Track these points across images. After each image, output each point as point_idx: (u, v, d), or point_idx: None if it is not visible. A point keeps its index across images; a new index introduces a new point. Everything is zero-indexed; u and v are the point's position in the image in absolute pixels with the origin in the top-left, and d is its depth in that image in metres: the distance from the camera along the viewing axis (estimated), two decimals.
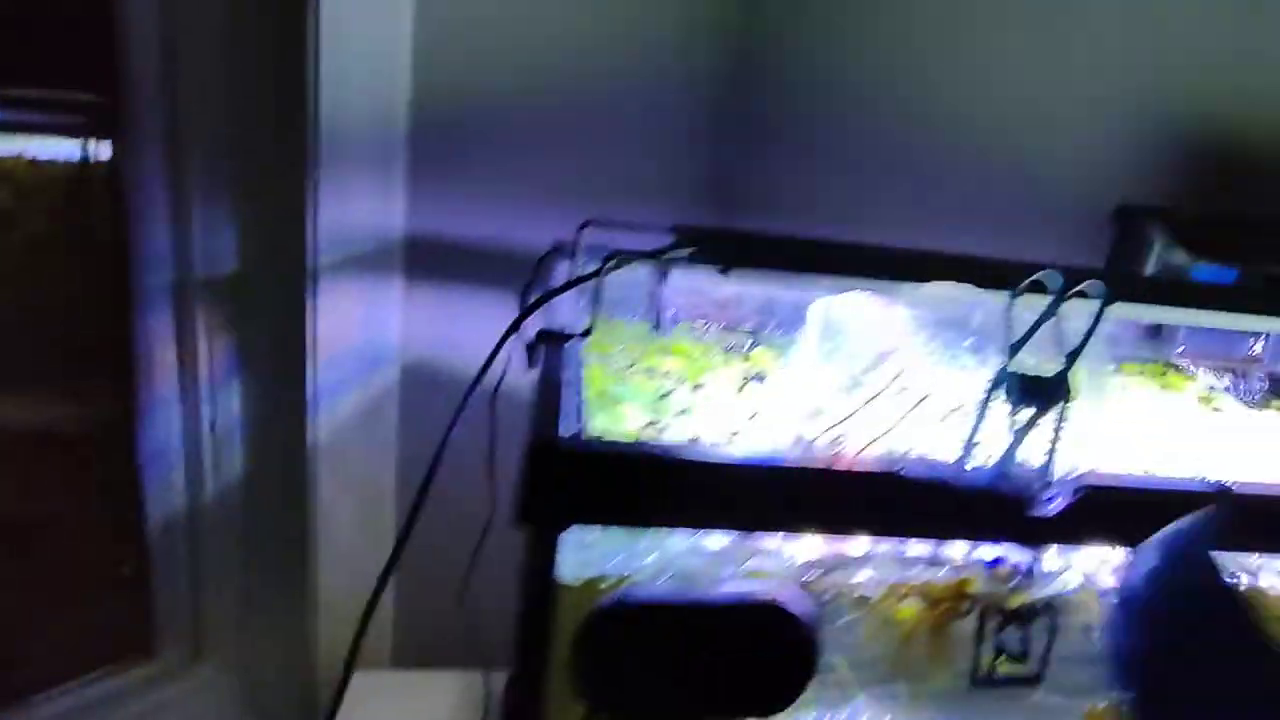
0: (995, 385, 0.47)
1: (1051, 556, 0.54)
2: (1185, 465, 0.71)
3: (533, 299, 0.70)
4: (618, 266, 0.69)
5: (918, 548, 0.53)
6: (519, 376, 0.67)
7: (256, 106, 0.91)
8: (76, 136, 0.97)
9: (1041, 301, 0.48)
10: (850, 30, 1.03)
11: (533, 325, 0.66)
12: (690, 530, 0.49)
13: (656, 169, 1.04)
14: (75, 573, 1.06)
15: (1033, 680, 0.57)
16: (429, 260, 1.04)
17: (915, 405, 0.48)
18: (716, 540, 0.51)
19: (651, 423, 0.69)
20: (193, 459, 1.01)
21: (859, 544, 0.52)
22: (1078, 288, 0.46)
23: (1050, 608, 0.55)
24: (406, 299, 1.05)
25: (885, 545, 0.52)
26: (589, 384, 0.77)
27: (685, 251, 0.65)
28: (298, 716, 1.07)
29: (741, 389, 0.72)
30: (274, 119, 0.91)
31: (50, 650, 1.00)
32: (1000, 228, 1.11)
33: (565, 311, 0.67)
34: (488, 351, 0.59)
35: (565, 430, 0.48)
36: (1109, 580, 0.55)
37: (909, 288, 0.56)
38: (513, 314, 0.59)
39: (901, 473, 0.46)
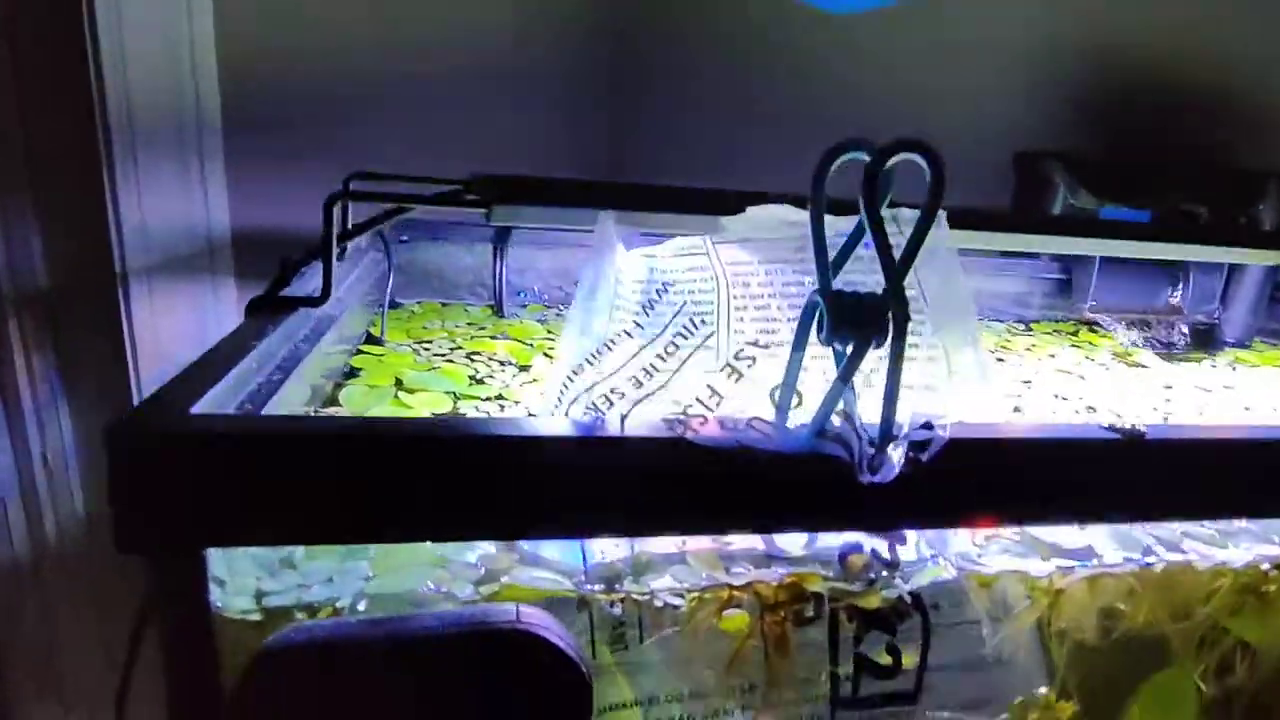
0: (807, 315, 0.35)
1: (916, 540, 0.41)
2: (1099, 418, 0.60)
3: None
4: (386, 219, 0.55)
5: (737, 539, 0.40)
6: None
7: (44, 99, 0.79)
8: None
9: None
10: None
11: None
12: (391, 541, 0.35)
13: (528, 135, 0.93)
14: None
15: (908, 697, 0.44)
16: (263, 258, 0.91)
17: (697, 348, 0.35)
18: (445, 549, 0.37)
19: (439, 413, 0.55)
20: (28, 497, 0.90)
21: (651, 540, 0.39)
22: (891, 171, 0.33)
23: (920, 604, 0.42)
24: (242, 301, 0.93)
25: (693, 538, 0.40)
26: (373, 374, 0.63)
27: (449, 189, 0.51)
28: None
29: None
30: (66, 110, 0.78)
31: None
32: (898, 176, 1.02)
33: None
34: None
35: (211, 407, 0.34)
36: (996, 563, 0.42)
37: (726, 220, 0.43)
38: None
39: (686, 437, 0.33)
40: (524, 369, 0.67)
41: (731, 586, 0.40)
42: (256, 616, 0.35)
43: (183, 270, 0.88)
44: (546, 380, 0.37)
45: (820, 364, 0.35)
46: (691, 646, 0.41)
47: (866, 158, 0.32)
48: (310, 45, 0.87)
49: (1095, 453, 0.38)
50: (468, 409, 0.57)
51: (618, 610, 0.39)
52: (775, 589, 0.40)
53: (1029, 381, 0.78)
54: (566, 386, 0.37)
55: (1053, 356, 0.89)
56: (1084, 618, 0.44)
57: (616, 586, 0.39)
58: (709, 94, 0.97)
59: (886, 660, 0.43)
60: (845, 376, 0.33)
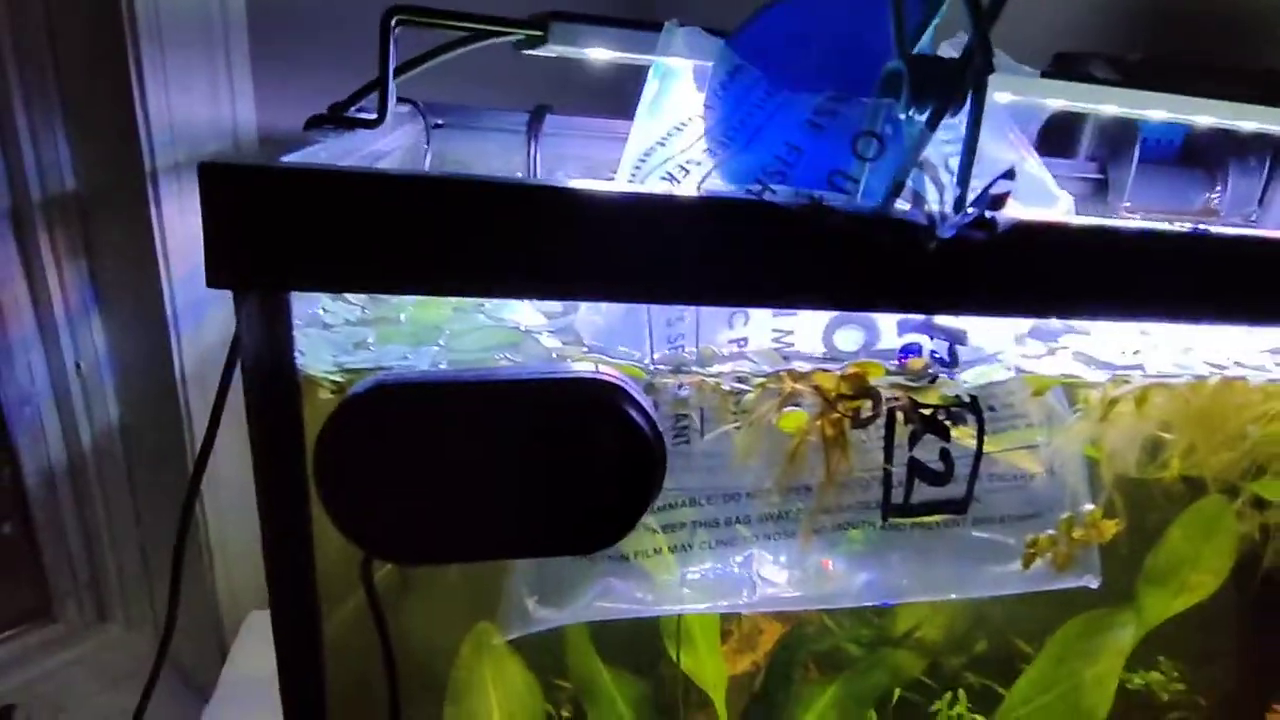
0: (885, 89, 0.35)
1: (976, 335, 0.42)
2: None
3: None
4: (440, 53, 0.55)
5: (796, 325, 0.40)
6: None
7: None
8: None
9: None
10: None
11: None
12: (477, 296, 0.36)
13: None
14: None
15: (958, 505, 0.45)
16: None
17: (773, 115, 0.35)
18: (523, 313, 0.38)
19: None
20: (63, 405, 0.93)
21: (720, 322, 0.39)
22: None
23: (976, 407, 0.43)
24: None
25: (755, 322, 0.40)
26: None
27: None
28: (209, 662, 0.96)
29: None
30: (91, 8, 0.79)
31: None
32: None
33: None
34: None
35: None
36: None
37: None
38: None
39: (764, 197, 0.33)
40: None
41: (794, 373, 0.40)
42: (338, 377, 0.36)
43: None
44: (620, 167, 0.37)
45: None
46: (751, 442, 0.42)
47: None
48: None
49: (1162, 244, 0.39)
50: None
51: (685, 392, 0.39)
52: (837, 380, 0.41)
53: None
54: (640, 165, 0.37)
55: None
56: (1137, 430, 0.45)
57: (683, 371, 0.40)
58: None
59: (939, 466, 0.44)
60: (933, 124, 0.33)
